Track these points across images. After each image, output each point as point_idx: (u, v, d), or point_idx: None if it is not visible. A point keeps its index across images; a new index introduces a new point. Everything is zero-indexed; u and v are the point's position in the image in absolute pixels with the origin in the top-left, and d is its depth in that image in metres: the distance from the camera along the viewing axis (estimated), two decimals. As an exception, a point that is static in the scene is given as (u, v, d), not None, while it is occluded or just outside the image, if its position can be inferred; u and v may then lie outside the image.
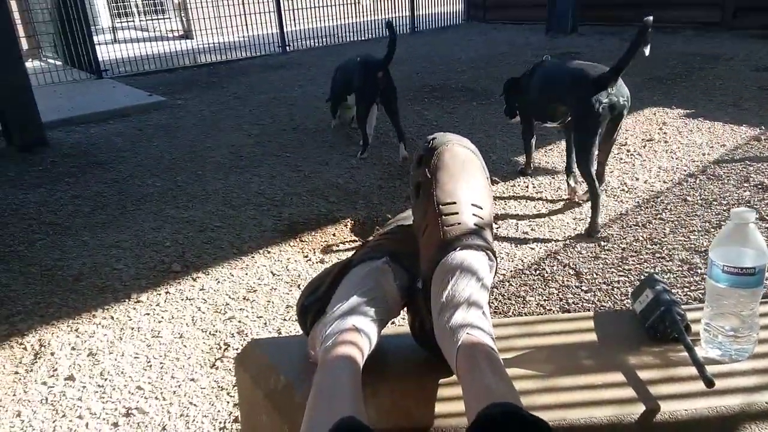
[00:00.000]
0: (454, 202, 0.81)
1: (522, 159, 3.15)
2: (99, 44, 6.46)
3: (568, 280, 2.03)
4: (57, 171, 3.43)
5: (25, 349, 1.83)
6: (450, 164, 0.83)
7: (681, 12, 7.11)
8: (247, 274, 2.21)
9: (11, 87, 3.79)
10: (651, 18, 2.21)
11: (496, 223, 2.49)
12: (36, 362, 1.76)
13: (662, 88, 4.48)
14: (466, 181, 0.83)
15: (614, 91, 2.29)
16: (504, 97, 3.01)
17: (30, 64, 6.13)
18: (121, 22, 10.82)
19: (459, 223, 0.80)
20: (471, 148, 0.86)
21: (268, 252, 2.37)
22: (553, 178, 2.93)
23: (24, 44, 7.30)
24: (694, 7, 7.00)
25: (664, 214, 2.45)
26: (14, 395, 1.63)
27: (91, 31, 6.17)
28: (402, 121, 3.44)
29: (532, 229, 2.42)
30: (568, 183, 2.65)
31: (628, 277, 2.01)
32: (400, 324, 1.36)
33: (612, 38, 6.90)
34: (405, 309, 0.88)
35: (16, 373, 1.73)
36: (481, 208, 0.83)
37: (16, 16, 6.33)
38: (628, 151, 3.23)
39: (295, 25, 8.50)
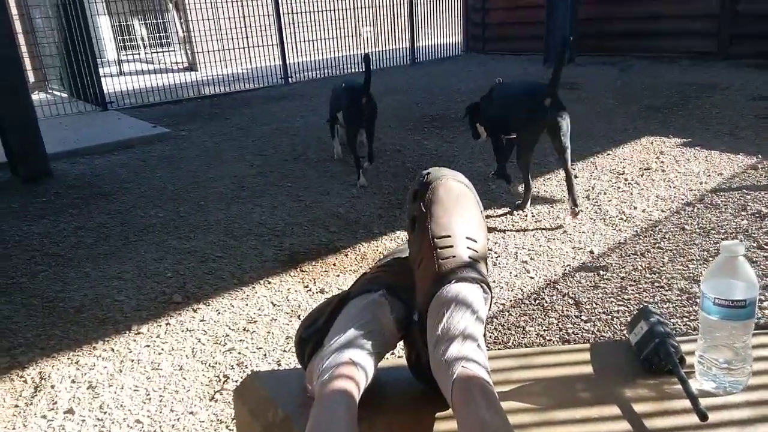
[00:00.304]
0: (449, 236, 0.82)
1: (521, 187, 3.18)
2: (105, 77, 6.57)
3: (567, 310, 2.03)
4: (61, 202, 3.46)
5: (25, 381, 1.83)
6: (444, 198, 0.85)
7: (677, 42, 7.24)
8: (247, 304, 2.22)
9: (17, 119, 3.86)
10: (571, 38, 2.70)
11: (495, 252, 2.50)
12: (36, 395, 1.76)
13: (659, 117, 4.54)
14: (461, 214, 0.85)
15: (548, 104, 2.66)
16: (468, 120, 3.41)
17: (36, 96, 6.24)
18: (126, 55, 11.02)
19: (454, 256, 0.81)
20: (465, 183, 0.88)
21: (269, 282, 2.38)
22: (552, 207, 2.95)
23: (31, 77, 7.44)
24: (689, 37, 7.12)
25: (662, 243, 2.46)
26: (14, 429, 1.62)
27: (97, 63, 6.29)
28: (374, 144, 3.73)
29: (531, 259, 2.43)
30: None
31: (627, 307, 2.01)
32: (399, 356, 1.36)
33: (610, 68, 7.00)
34: (402, 341, 0.89)
35: (16, 406, 1.72)
36: (476, 241, 0.84)
37: (24, 49, 6.46)
38: (626, 179, 3.26)
39: (297, 57, 8.65)
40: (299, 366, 0.94)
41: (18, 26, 6.83)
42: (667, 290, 2.09)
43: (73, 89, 6.75)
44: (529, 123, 2.77)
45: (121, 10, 9.03)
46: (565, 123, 2.71)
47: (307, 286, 2.33)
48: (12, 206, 3.44)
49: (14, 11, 6.37)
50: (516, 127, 2.91)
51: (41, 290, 2.40)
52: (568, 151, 2.74)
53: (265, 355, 1.90)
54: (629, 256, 2.38)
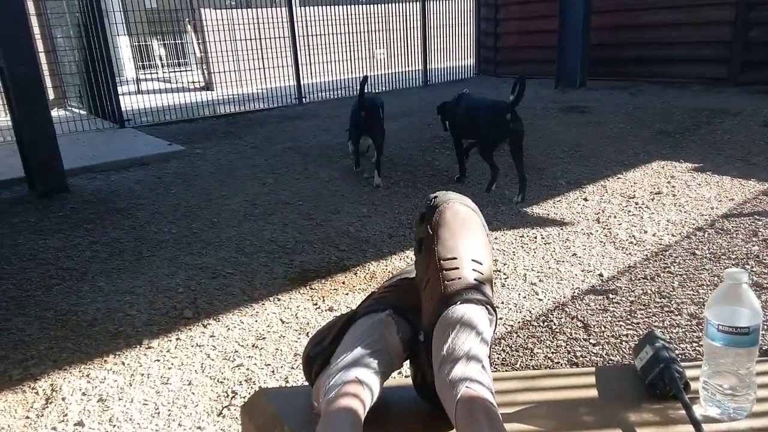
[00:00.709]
0: (455, 258, 0.84)
1: (530, 209, 3.20)
2: (123, 95, 6.70)
3: (576, 333, 2.02)
4: (76, 217, 3.52)
5: (36, 393, 1.86)
6: (451, 221, 0.87)
7: (688, 68, 7.26)
8: (256, 321, 2.24)
9: (36, 135, 3.94)
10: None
11: (504, 274, 2.51)
12: (47, 407, 1.78)
13: (670, 142, 4.54)
14: (467, 237, 0.87)
15: (510, 118, 3.36)
16: (439, 117, 4.00)
17: (55, 113, 6.37)
18: (144, 74, 11.23)
19: (459, 278, 0.83)
20: (472, 207, 0.90)
21: (279, 299, 2.40)
22: (561, 229, 2.96)
23: (51, 94, 7.60)
24: (701, 63, 7.14)
25: (672, 267, 2.46)
26: (23, 440, 1.64)
27: (115, 82, 6.42)
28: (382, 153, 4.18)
29: (540, 281, 2.43)
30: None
31: (636, 331, 2.00)
32: (405, 375, 1.37)
33: (620, 93, 7.03)
34: (408, 361, 0.90)
35: (27, 417, 1.75)
36: (482, 264, 0.86)
37: (45, 67, 6.62)
38: (637, 203, 3.26)
39: (311, 78, 8.78)
40: (307, 383, 0.95)
41: (40, 45, 7.00)
42: (676, 315, 2.08)
43: (92, 107, 6.89)
44: (491, 133, 3.48)
45: (140, 31, 9.24)
46: (522, 134, 3.46)
47: (316, 304, 2.35)
48: (29, 220, 3.51)
49: (36, 30, 6.54)
50: (477, 134, 3.61)
51: (55, 303, 2.44)
52: (522, 156, 3.48)
53: (273, 371, 1.91)
54: (639, 280, 2.38)
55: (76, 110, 7.61)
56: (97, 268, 2.78)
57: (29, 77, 3.87)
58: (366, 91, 4.17)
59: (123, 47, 10.83)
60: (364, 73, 4.89)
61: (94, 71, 6.48)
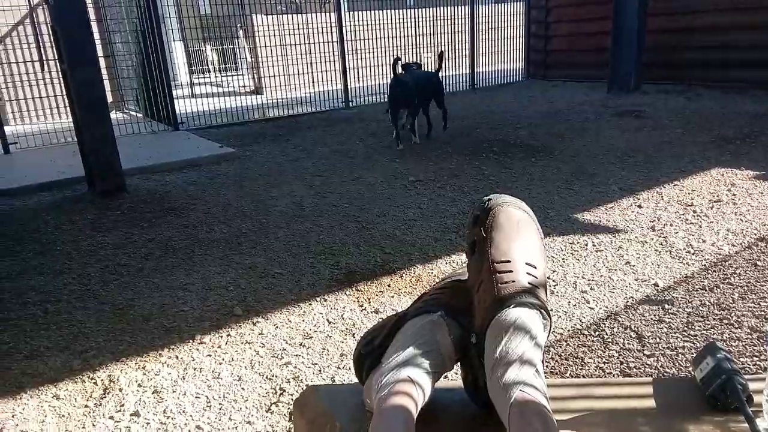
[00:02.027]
0: (509, 261, 0.84)
1: (581, 216, 3.14)
2: (177, 98, 6.93)
3: (629, 344, 1.97)
4: (133, 216, 3.66)
5: (95, 383, 1.94)
6: (505, 224, 0.86)
7: (748, 72, 6.96)
8: (303, 320, 2.27)
9: (97, 137, 4.12)
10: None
11: (553, 281, 2.46)
12: (105, 397, 1.86)
13: (730, 149, 4.36)
14: (521, 240, 0.86)
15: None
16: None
17: (113, 116, 6.64)
18: (198, 78, 11.58)
19: (513, 281, 0.82)
20: (526, 210, 0.90)
21: (325, 300, 2.43)
22: (614, 236, 2.89)
23: (109, 97, 7.93)
24: (762, 68, 6.83)
25: (732, 278, 2.36)
26: (83, 428, 1.72)
27: (171, 86, 6.65)
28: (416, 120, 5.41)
29: (591, 288, 2.38)
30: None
31: (693, 343, 1.93)
32: (453, 378, 1.37)
33: (676, 97, 6.80)
34: (459, 363, 0.90)
35: (86, 406, 1.82)
36: (536, 268, 0.85)
37: (104, 72, 6.91)
38: (695, 212, 3.14)
39: (358, 82, 8.85)
40: (355, 382, 0.96)
41: (100, 50, 7.32)
42: (736, 328, 2.00)
43: (148, 110, 7.15)
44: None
45: (194, 37, 9.53)
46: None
47: (362, 306, 2.37)
48: (89, 218, 3.67)
49: (97, 36, 6.84)
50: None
51: (113, 298, 2.54)
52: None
53: (320, 370, 1.93)
54: (696, 290, 2.29)
55: (133, 113, 7.91)
56: (152, 264, 2.88)
57: (91, 81, 4.05)
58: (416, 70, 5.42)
59: (178, 52, 11.20)
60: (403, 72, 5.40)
61: (151, 76, 6.72)
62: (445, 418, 0.89)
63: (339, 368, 1.94)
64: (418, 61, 6.57)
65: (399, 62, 5.03)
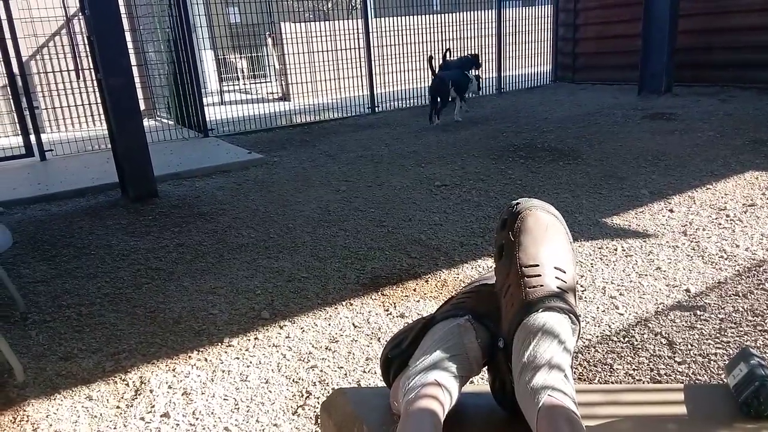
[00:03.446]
0: (537, 265, 0.83)
1: (610, 220, 3.10)
2: (207, 106, 7.05)
3: (659, 350, 1.93)
4: (164, 221, 3.74)
5: (127, 385, 1.98)
6: (533, 228, 0.86)
7: (786, 72, 6.77)
8: (330, 324, 2.28)
9: (130, 143, 4.22)
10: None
11: (581, 286, 2.43)
12: (136, 398, 1.90)
13: (765, 151, 4.25)
14: (549, 245, 0.85)
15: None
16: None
17: (145, 123, 6.79)
18: (227, 86, 11.77)
19: (542, 285, 0.82)
20: (555, 214, 0.89)
21: (351, 304, 2.44)
22: (644, 241, 2.84)
23: (142, 105, 8.11)
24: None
25: (766, 284, 2.30)
26: (114, 428, 1.76)
27: (201, 94, 6.77)
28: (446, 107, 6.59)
29: (620, 294, 2.34)
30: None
31: (726, 350, 1.88)
32: (480, 383, 1.36)
33: (709, 99, 6.66)
34: (486, 367, 0.90)
35: (118, 407, 1.86)
36: (564, 272, 0.85)
37: (137, 80, 7.08)
38: (728, 216, 3.07)
39: (384, 88, 8.89)
40: (381, 385, 0.97)
41: (133, 59, 7.50)
42: (772, 335, 1.94)
43: (179, 117, 7.29)
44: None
45: (224, 45, 9.69)
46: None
47: (387, 310, 2.37)
48: (121, 223, 3.76)
49: (130, 45, 7.02)
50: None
51: (144, 301, 2.60)
52: None
53: (345, 374, 1.94)
54: (729, 296, 2.24)
55: (164, 120, 8.08)
56: (182, 268, 2.93)
57: (125, 89, 4.15)
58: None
59: (208, 60, 11.40)
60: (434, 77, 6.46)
61: (182, 83, 6.86)
62: (473, 422, 0.89)
63: (365, 372, 1.95)
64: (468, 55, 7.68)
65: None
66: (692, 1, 7.39)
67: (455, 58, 7.77)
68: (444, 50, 7.20)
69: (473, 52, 7.55)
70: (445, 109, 6.61)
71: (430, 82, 6.59)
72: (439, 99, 6.48)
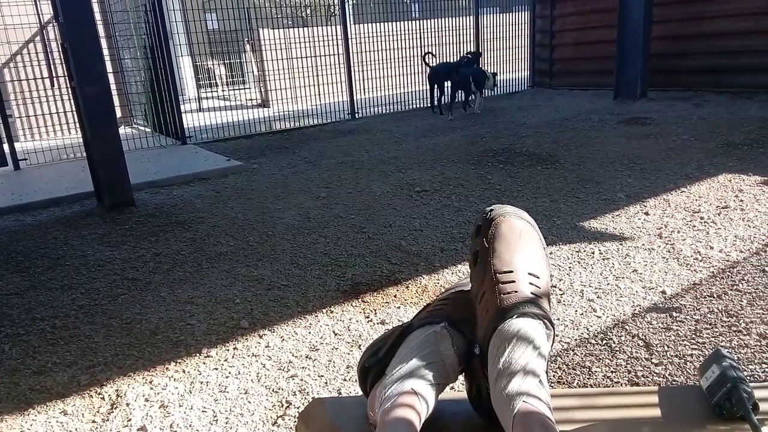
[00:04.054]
0: (511, 271, 0.84)
1: (587, 224, 3.13)
2: (185, 113, 6.99)
3: (637, 352, 1.95)
4: (141, 230, 3.69)
5: (102, 398, 1.94)
6: (507, 235, 0.86)
7: (756, 77, 6.93)
8: (310, 332, 2.27)
9: (106, 152, 4.16)
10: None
11: (560, 290, 2.45)
12: (112, 412, 1.86)
13: (738, 154, 4.34)
14: (523, 251, 0.86)
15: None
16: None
17: (122, 131, 6.71)
18: (205, 92, 11.68)
19: (516, 291, 0.82)
20: (528, 220, 0.90)
21: (331, 312, 2.43)
22: (621, 244, 2.87)
23: (118, 112, 8.00)
24: (771, 71, 6.81)
25: (740, 285, 2.34)
26: (91, 442, 1.72)
27: (178, 101, 6.71)
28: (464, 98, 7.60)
29: (598, 297, 2.36)
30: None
31: (702, 351, 1.91)
32: (458, 389, 1.36)
33: (683, 103, 6.79)
34: (463, 374, 0.90)
35: (94, 422, 1.83)
36: (538, 278, 0.85)
37: (113, 87, 6.99)
38: (702, 218, 3.12)
39: (364, 94, 8.90)
40: (360, 394, 0.96)
41: (109, 66, 7.41)
42: (745, 335, 1.98)
43: (156, 124, 7.22)
44: None
45: (202, 52, 9.63)
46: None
47: (368, 317, 2.36)
48: (97, 233, 3.70)
49: (105, 52, 6.94)
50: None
51: (120, 312, 2.56)
52: None
53: (326, 383, 1.93)
54: (704, 297, 2.27)
55: (141, 128, 7.99)
56: (159, 278, 2.89)
57: (100, 96, 4.10)
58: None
59: (186, 67, 11.32)
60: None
61: (159, 91, 6.79)
62: (450, 429, 0.89)
63: (345, 380, 1.94)
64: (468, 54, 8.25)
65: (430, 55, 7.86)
66: (666, 8, 7.53)
67: (461, 58, 8.30)
68: (424, 53, 7.97)
69: (472, 50, 8.36)
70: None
71: (426, 73, 7.80)
72: (460, 92, 7.53)
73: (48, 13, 7.27)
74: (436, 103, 7.83)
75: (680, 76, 7.67)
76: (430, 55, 7.97)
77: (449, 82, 7.54)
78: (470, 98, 7.75)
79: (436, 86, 7.77)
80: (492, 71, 7.86)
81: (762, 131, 4.96)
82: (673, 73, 7.71)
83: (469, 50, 8.68)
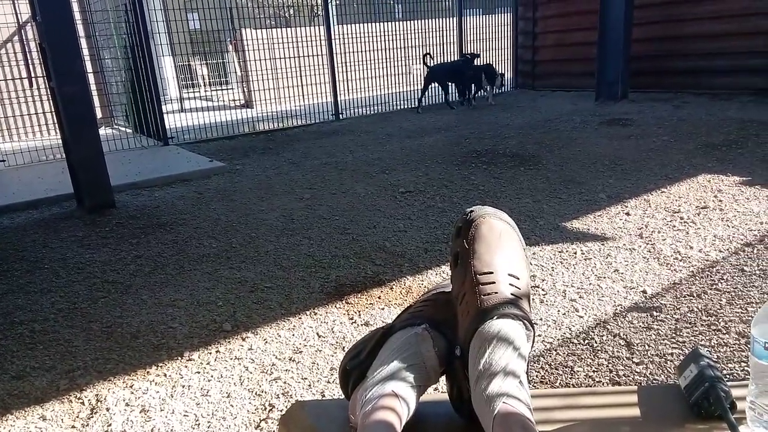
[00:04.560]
0: (491, 272, 0.84)
1: (569, 224, 3.16)
2: (167, 113, 6.92)
3: (618, 351, 1.97)
4: (122, 232, 3.64)
5: (82, 403, 1.91)
6: (487, 236, 0.87)
7: (735, 79, 7.05)
8: (293, 335, 2.26)
9: (85, 153, 4.10)
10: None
11: (542, 290, 2.47)
12: (92, 417, 1.84)
13: (717, 155, 4.41)
14: (503, 252, 0.86)
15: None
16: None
17: (103, 132, 6.62)
18: (188, 93, 11.58)
19: (496, 293, 0.83)
20: (508, 221, 0.90)
21: (315, 313, 2.42)
22: (603, 244, 2.90)
23: (99, 113, 7.90)
24: (749, 74, 6.93)
25: (720, 284, 2.37)
26: (70, 448, 1.69)
27: (160, 101, 6.64)
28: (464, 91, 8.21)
29: (580, 297, 2.38)
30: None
31: (682, 350, 1.94)
32: (441, 390, 1.36)
33: (664, 105, 6.87)
34: (444, 376, 0.90)
35: (73, 427, 1.80)
36: (518, 279, 0.85)
37: (93, 87, 6.90)
38: (682, 218, 3.17)
39: (348, 95, 8.89)
40: (342, 397, 0.96)
41: (89, 66, 7.32)
42: (724, 333, 2.00)
43: (137, 125, 7.14)
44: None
45: (184, 52, 9.54)
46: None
47: (352, 318, 2.36)
48: (77, 235, 3.64)
49: (85, 52, 6.84)
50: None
51: (101, 316, 2.52)
52: None
53: (309, 385, 1.92)
54: (684, 297, 2.30)
55: (123, 128, 7.89)
56: (140, 281, 2.86)
57: (79, 97, 4.04)
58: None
59: (167, 67, 11.21)
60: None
61: (140, 91, 6.72)
62: (431, 430, 0.89)
63: (329, 383, 1.93)
64: (415, 72, 8.81)
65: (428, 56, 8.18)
66: (646, 10, 7.63)
67: (459, 57, 9.12)
68: (423, 54, 8.27)
69: (470, 52, 8.67)
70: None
71: (424, 74, 8.14)
72: (473, 86, 8.36)
73: (26, 13, 7.16)
74: (443, 99, 8.37)
75: (660, 78, 7.78)
76: (429, 57, 8.20)
77: (452, 81, 8.30)
78: (478, 93, 8.45)
79: (437, 85, 8.20)
80: (501, 72, 8.50)
81: (741, 132, 5.05)
82: (653, 74, 7.81)
83: (468, 51, 9.06)
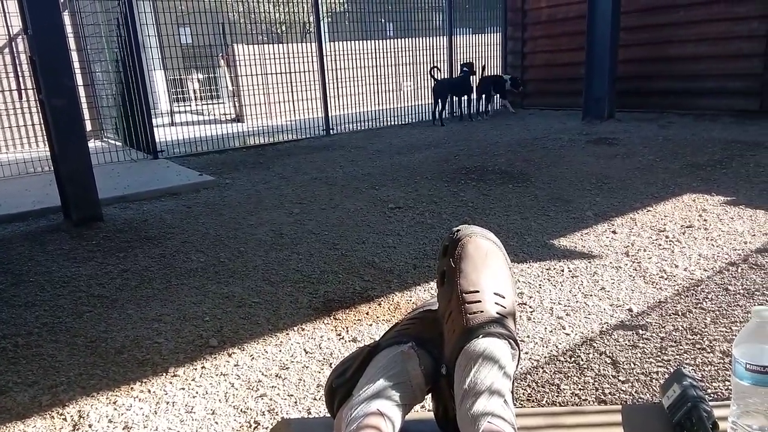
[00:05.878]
0: (477, 291, 0.85)
1: (557, 241, 3.18)
2: (157, 127, 6.91)
3: (604, 369, 1.98)
4: (109, 245, 3.62)
5: (64, 419, 1.89)
6: (474, 255, 0.87)
7: (718, 100, 7.19)
8: (280, 351, 2.25)
9: (74, 166, 4.08)
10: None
11: (530, 307, 2.48)
12: (74, 433, 1.81)
13: (701, 175, 4.47)
14: (489, 271, 0.87)
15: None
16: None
17: (92, 144, 6.59)
18: (178, 106, 11.58)
19: (482, 311, 0.83)
20: (494, 241, 0.91)
21: (303, 329, 2.41)
22: (589, 262, 2.92)
23: (88, 126, 7.88)
24: (732, 96, 7.07)
25: (704, 303, 2.40)
26: (50, 466, 1.67)
27: (150, 114, 6.64)
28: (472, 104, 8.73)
29: (567, 314, 2.40)
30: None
31: (667, 368, 1.95)
32: (428, 409, 1.36)
33: (649, 125, 6.98)
34: (430, 394, 0.90)
35: (54, 443, 1.77)
36: (504, 297, 0.86)
37: (83, 100, 6.89)
38: (667, 237, 3.20)
39: (339, 110, 8.93)
40: (329, 415, 0.96)
41: (79, 79, 7.30)
42: (708, 352, 2.02)
43: (127, 138, 7.12)
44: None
45: (175, 66, 9.57)
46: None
47: (339, 335, 2.35)
48: (63, 248, 3.61)
49: (76, 65, 6.84)
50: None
51: (85, 330, 2.49)
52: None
53: (296, 402, 1.91)
54: (670, 315, 2.32)
55: (112, 141, 7.86)
56: (126, 295, 2.83)
57: (68, 110, 4.03)
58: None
59: (158, 81, 11.21)
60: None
61: (130, 104, 6.71)
62: (417, 450, 0.89)
63: (315, 399, 1.92)
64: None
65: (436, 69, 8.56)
66: (632, 32, 7.78)
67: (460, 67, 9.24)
68: (430, 68, 8.66)
69: (468, 62, 8.93)
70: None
71: (432, 86, 8.44)
72: (483, 96, 8.82)
73: (17, 26, 7.15)
74: (437, 116, 8.50)
75: (646, 98, 7.91)
76: (436, 69, 8.61)
77: (459, 94, 8.76)
78: (489, 106, 8.99)
79: (439, 99, 8.52)
80: (510, 76, 9.13)
81: (725, 152, 5.13)
82: (639, 95, 7.94)
83: (464, 62, 9.20)
